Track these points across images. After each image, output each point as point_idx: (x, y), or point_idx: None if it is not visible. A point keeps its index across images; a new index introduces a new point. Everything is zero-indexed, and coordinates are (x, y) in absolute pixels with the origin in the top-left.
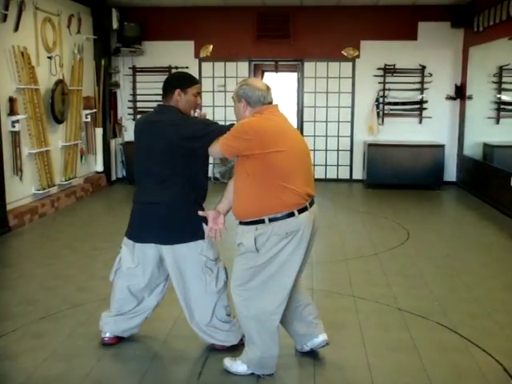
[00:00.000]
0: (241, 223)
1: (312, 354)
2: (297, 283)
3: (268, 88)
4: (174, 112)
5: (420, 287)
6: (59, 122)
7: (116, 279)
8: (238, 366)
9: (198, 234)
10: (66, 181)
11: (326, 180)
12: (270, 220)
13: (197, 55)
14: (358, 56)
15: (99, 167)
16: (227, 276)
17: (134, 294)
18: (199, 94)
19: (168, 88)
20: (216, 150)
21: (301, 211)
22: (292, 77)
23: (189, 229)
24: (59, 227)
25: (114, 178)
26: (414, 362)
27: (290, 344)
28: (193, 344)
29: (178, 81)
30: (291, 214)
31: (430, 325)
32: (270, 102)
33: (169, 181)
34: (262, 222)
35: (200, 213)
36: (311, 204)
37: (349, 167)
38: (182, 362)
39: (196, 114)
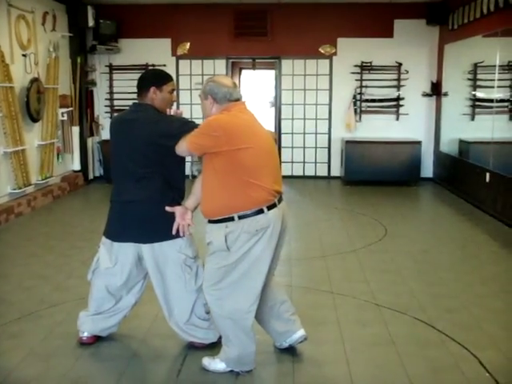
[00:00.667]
0: (209, 221)
1: (291, 351)
2: (270, 281)
3: (235, 85)
4: (151, 110)
5: (398, 283)
6: (35, 120)
7: (94, 278)
8: (216, 364)
9: (177, 232)
10: (42, 180)
11: (304, 177)
12: (240, 217)
13: (174, 53)
14: (335, 53)
15: (76, 166)
16: None
17: (112, 293)
18: (174, 90)
19: (143, 86)
20: (183, 147)
21: (270, 208)
22: (269, 74)
23: (167, 227)
24: (36, 227)
25: (91, 176)
26: (392, 356)
27: (268, 341)
28: (171, 342)
29: (154, 78)
30: (260, 211)
31: (407, 320)
32: (237, 99)
33: (146, 179)
34: (231, 219)
35: (167, 208)
36: (280, 201)
37: (327, 164)
38: (161, 360)
39: (172, 112)
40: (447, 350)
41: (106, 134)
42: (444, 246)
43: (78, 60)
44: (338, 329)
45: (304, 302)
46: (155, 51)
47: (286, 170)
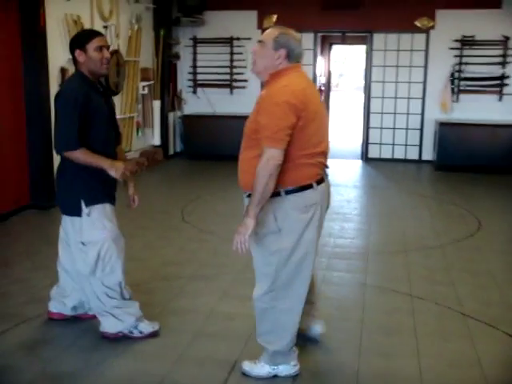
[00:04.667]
0: (249, 196)
1: (357, 361)
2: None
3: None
4: (70, 79)
5: (489, 288)
6: (114, 93)
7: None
8: (259, 368)
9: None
10: None
11: (393, 160)
12: (287, 192)
13: (260, 26)
14: (432, 27)
15: (157, 141)
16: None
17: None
18: (104, 47)
19: (71, 52)
20: (272, 156)
21: (318, 182)
22: (360, 49)
23: (67, 202)
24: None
25: (171, 152)
26: (478, 380)
27: (327, 346)
28: (235, 322)
29: (75, 41)
30: (309, 186)
31: (499, 336)
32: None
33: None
34: (277, 194)
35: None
36: (326, 176)
37: (418, 147)
38: (224, 340)
39: None
40: None
41: (188, 109)
42: None
43: (162, 32)
44: (414, 340)
45: (377, 305)
46: (240, 24)
47: (373, 152)
